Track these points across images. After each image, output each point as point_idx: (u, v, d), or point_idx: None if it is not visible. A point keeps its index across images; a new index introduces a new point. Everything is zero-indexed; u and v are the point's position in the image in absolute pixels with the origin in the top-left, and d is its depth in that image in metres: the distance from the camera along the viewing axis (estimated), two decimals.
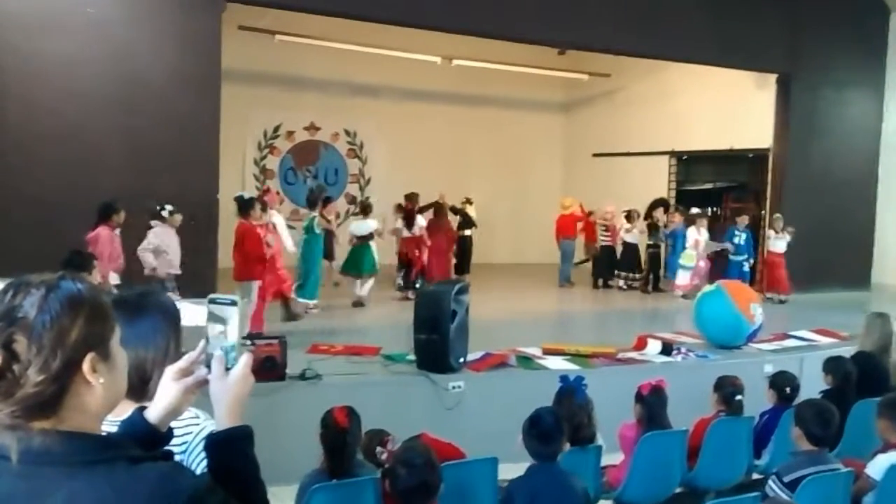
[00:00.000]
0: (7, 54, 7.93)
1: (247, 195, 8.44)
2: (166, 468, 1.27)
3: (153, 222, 7.62)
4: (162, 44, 8.57)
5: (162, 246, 7.55)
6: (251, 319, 7.67)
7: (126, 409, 1.65)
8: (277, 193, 10.07)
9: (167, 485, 1.20)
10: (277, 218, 9.25)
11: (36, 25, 8.00)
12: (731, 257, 11.43)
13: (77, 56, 8.20)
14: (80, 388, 1.22)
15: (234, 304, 1.48)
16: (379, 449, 3.63)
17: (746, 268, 11.41)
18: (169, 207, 7.67)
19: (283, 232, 9.13)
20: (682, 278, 11.70)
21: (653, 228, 12.77)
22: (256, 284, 7.83)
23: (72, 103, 8.18)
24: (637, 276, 12.88)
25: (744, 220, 11.65)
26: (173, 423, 1.89)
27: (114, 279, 7.10)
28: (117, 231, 7.38)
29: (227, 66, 9.19)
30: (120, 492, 1.17)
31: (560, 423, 3.54)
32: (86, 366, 1.22)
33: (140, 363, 1.87)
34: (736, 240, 11.38)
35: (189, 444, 1.90)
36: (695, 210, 12.37)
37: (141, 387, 1.88)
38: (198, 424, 1.92)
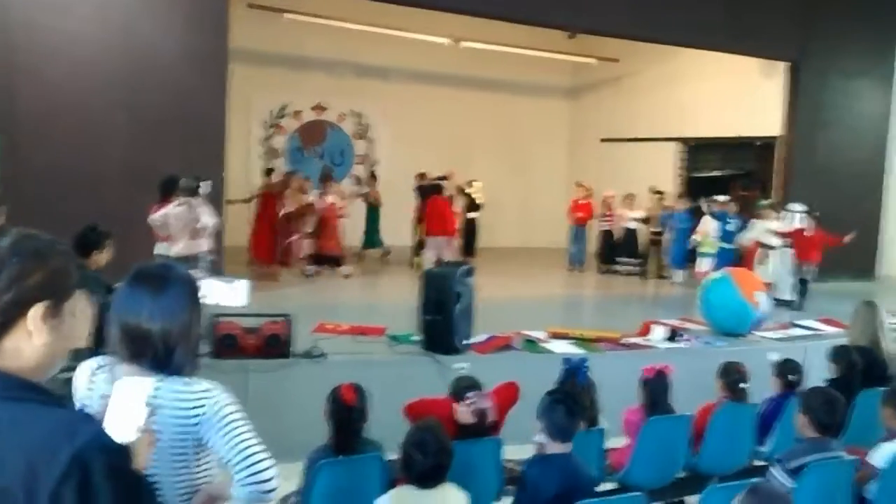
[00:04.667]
0: (16, 30, 7.91)
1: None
2: (75, 414, 1.37)
3: (193, 200, 7.11)
4: (170, 20, 8.54)
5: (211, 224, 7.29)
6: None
7: (148, 382, 1.67)
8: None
9: (69, 427, 1.24)
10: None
11: (45, 1, 7.98)
12: (722, 244, 11.31)
13: (84, 32, 8.18)
14: (20, 333, 1.29)
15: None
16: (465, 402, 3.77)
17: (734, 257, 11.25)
18: (208, 183, 7.31)
19: None
20: (705, 265, 11.57)
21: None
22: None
23: (78, 78, 8.18)
24: (636, 261, 12.89)
25: (733, 208, 11.56)
26: (186, 395, 1.90)
27: (175, 251, 7.03)
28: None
29: (234, 44, 9.16)
30: (25, 424, 1.22)
31: (579, 403, 3.58)
32: (33, 312, 1.29)
33: (165, 335, 1.90)
34: (729, 227, 11.26)
35: (201, 416, 1.91)
36: (719, 197, 12.13)
37: (166, 358, 1.90)
38: (211, 396, 1.93)
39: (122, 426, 1.60)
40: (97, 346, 2.08)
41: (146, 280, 1.97)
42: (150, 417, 1.67)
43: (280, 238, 10.79)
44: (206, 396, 1.93)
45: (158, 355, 1.89)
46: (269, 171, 12.00)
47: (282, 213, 10.69)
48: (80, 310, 1.40)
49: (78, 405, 1.93)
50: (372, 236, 12.84)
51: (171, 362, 1.91)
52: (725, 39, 11.84)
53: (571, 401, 3.48)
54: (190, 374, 1.97)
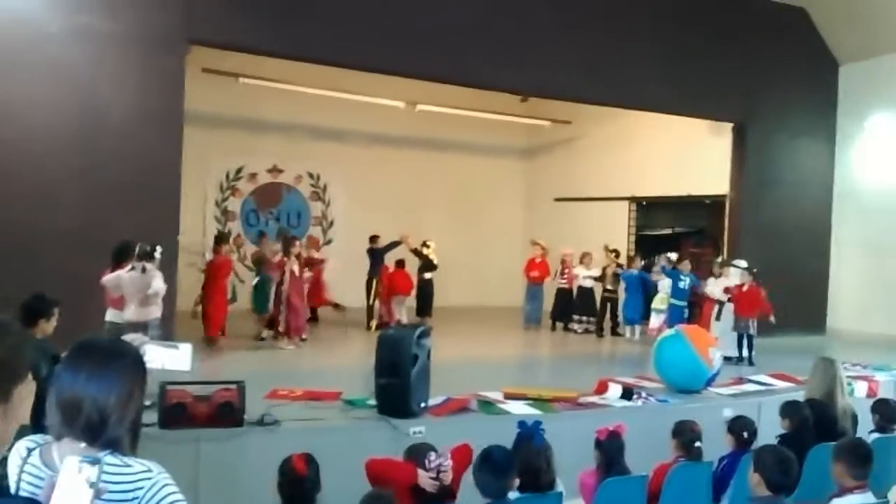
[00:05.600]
0: None
1: None
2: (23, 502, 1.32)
3: (147, 265, 7.02)
4: (125, 83, 8.53)
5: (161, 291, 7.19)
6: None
7: (94, 463, 1.63)
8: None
9: None
10: None
11: None
12: (673, 301, 11.44)
13: (38, 94, 8.13)
14: None
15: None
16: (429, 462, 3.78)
17: (686, 314, 11.40)
18: (160, 249, 7.24)
19: None
20: (655, 321, 11.71)
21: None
22: None
23: (31, 140, 8.09)
24: (592, 319, 12.99)
25: (686, 266, 11.75)
26: (124, 477, 1.85)
27: (126, 317, 6.95)
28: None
29: (190, 108, 9.17)
30: None
31: (511, 459, 3.62)
32: None
33: (102, 408, 1.85)
34: (681, 284, 11.42)
35: (140, 498, 1.85)
36: (671, 254, 12.29)
37: (100, 430, 1.85)
38: (149, 479, 1.88)
39: None
40: (37, 420, 2.02)
41: (88, 353, 1.93)
42: (95, 500, 1.62)
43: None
44: (144, 478, 1.87)
45: (94, 429, 1.84)
46: (220, 238, 11.07)
47: (304, 276, 10.56)
48: (27, 390, 1.36)
49: (13, 488, 1.86)
50: (262, 302, 11.03)
51: (107, 436, 1.86)
52: (672, 102, 12.19)
53: (491, 463, 3.55)
54: (129, 450, 1.92)
